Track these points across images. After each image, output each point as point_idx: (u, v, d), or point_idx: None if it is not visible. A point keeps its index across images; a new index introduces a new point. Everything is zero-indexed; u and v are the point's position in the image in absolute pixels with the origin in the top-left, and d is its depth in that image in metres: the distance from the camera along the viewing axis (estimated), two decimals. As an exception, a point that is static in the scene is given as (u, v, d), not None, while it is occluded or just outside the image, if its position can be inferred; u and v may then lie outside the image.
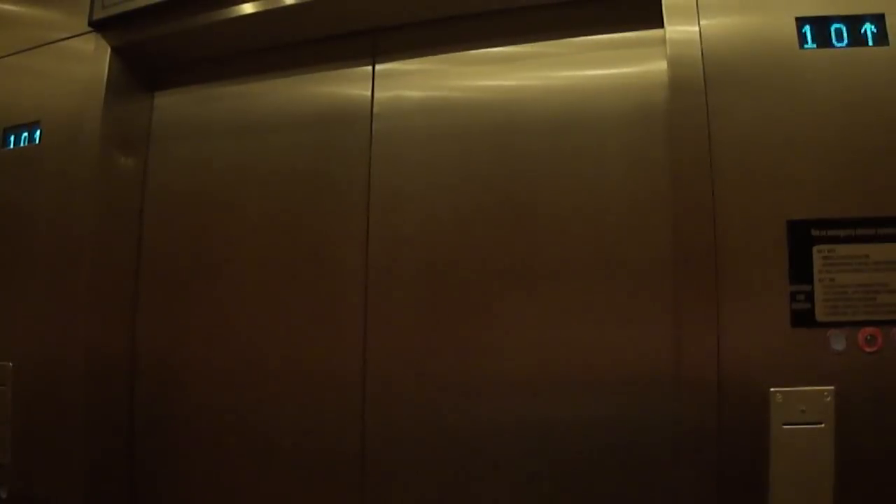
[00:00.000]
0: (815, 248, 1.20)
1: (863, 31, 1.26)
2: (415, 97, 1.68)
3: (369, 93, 1.71)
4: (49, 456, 1.69)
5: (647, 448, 1.38)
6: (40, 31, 1.90)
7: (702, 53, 1.31)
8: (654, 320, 1.38)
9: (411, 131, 1.66)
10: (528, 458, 1.47)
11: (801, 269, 1.20)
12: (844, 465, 1.15)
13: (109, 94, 1.77)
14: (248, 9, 1.65)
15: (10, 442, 1.74)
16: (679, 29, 1.34)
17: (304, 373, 1.67)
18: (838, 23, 1.27)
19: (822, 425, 1.16)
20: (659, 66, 1.42)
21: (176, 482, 1.78)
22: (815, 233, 1.20)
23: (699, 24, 1.32)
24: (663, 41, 1.35)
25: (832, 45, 1.26)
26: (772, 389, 1.18)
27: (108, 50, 1.78)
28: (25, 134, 1.85)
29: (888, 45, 1.24)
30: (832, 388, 1.16)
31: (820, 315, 1.19)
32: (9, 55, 1.93)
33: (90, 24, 1.79)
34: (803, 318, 1.19)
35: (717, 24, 1.32)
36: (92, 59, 1.79)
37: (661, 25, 1.36)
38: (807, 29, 1.28)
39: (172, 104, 1.91)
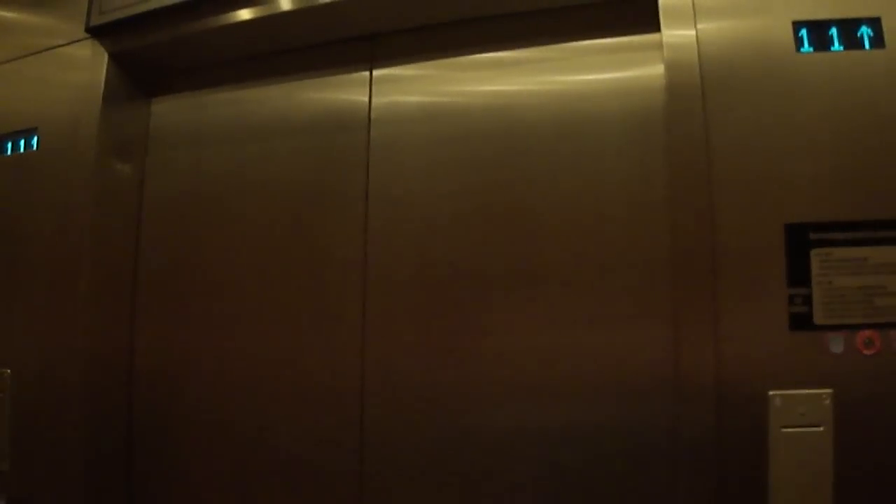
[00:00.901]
0: (812, 252, 1.20)
1: (859, 34, 1.26)
2: (412, 102, 1.68)
3: (367, 98, 1.72)
4: (48, 463, 1.69)
5: (647, 452, 1.38)
6: (37, 37, 1.90)
7: (699, 57, 1.31)
8: (654, 324, 1.38)
9: (409, 136, 1.66)
10: (526, 463, 1.47)
11: (799, 273, 1.20)
12: (843, 467, 1.15)
13: (107, 101, 1.77)
14: (245, 15, 1.66)
15: (9, 449, 1.73)
16: (676, 33, 1.34)
17: (303, 379, 1.67)
18: (835, 26, 1.27)
19: (821, 428, 1.16)
20: (656, 71, 1.42)
21: (174, 489, 1.77)
22: (812, 236, 1.21)
23: (696, 27, 1.33)
24: (660, 45, 1.36)
25: (829, 49, 1.27)
26: (770, 393, 1.18)
27: (106, 56, 1.79)
28: (23, 140, 1.84)
29: (885, 47, 1.24)
30: (831, 390, 1.16)
31: (818, 318, 1.19)
32: (6, 62, 1.93)
33: (87, 30, 1.80)
34: (801, 321, 1.19)
35: (713, 27, 1.32)
36: (89, 65, 1.79)
37: (659, 30, 1.36)
38: (803, 32, 1.28)
39: (170, 110, 1.91)
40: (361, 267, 1.65)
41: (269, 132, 1.80)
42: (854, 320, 1.18)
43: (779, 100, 1.27)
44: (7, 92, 1.91)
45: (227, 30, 1.69)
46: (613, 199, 1.48)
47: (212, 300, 1.78)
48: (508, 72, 1.62)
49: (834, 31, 1.27)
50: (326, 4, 1.59)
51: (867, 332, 1.17)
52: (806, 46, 1.27)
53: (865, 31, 1.26)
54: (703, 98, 1.29)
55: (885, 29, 1.25)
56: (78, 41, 1.83)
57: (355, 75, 1.74)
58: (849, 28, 1.26)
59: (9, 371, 1.75)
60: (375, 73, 1.73)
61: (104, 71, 1.78)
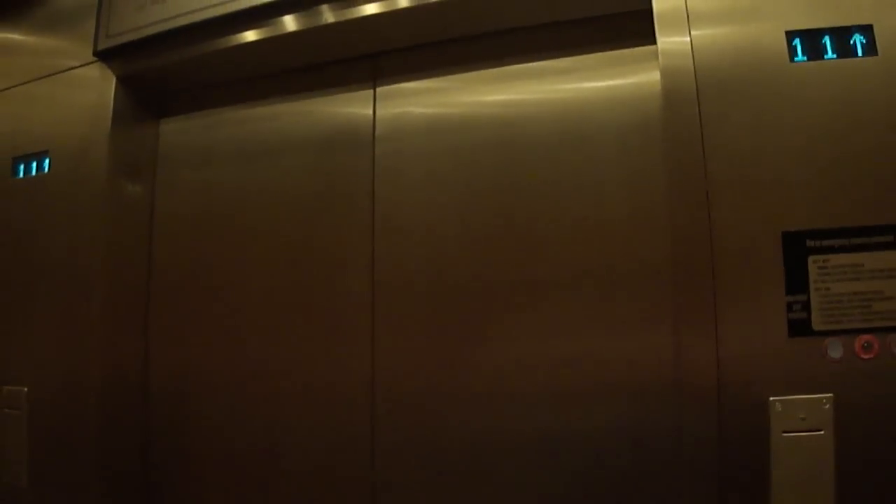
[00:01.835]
0: (810, 259, 1.21)
1: (852, 41, 1.27)
2: (416, 117, 1.71)
3: (371, 114, 1.75)
4: (65, 479, 1.71)
5: (650, 457, 1.40)
6: (47, 60, 1.94)
7: (694, 64, 1.32)
8: (655, 332, 1.41)
9: (413, 150, 1.69)
10: (531, 467, 1.50)
11: (797, 279, 1.22)
12: (844, 471, 1.16)
13: (116, 122, 1.81)
14: (250, 37, 1.68)
15: (26, 465, 1.76)
16: (671, 40, 1.35)
17: (314, 389, 1.70)
18: (828, 35, 1.28)
19: (822, 432, 1.17)
20: (654, 81, 1.43)
21: (189, 499, 1.80)
22: (809, 243, 1.22)
23: (690, 35, 1.34)
24: (657, 56, 1.37)
25: (822, 57, 1.27)
26: (771, 398, 1.19)
27: (114, 79, 1.82)
28: (34, 163, 1.88)
29: (877, 55, 1.25)
30: (830, 395, 1.17)
31: (817, 324, 1.20)
32: (16, 85, 1.97)
33: (95, 53, 1.83)
34: (800, 328, 1.21)
35: (708, 35, 1.33)
36: (98, 88, 1.83)
37: (655, 42, 1.37)
38: (797, 42, 1.29)
39: (178, 130, 1.95)
40: (369, 277, 1.68)
41: (276, 150, 1.83)
42: (852, 325, 1.19)
43: (774, 108, 1.28)
44: (18, 115, 1.95)
45: (233, 51, 1.72)
46: (615, 208, 1.50)
47: (223, 315, 1.81)
48: (510, 85, 1.64)
49: (827, 39, 1.28)
50: (329, 25, 1.62)
51: (865, 337, 1.18)
52: (800, 56, 1.28)
53: (858, 38, 1.27)
54: (699, 104, 1.30)
55: (877, 36, 1.26)
56: (87, 64, 1.86)
57: (359, 92, 1.77)
58: (841, 36, 1.27)
59: (25, 389, 1.79)
60: (379, 89, 1.76)
61: (112, 93, 1.81)
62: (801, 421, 1.18)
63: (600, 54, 1.58)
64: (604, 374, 1.45)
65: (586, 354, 1.48)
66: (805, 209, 1.23)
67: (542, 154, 1.58)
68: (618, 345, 1.46)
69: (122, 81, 1.83)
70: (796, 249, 1.22)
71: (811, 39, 1.29)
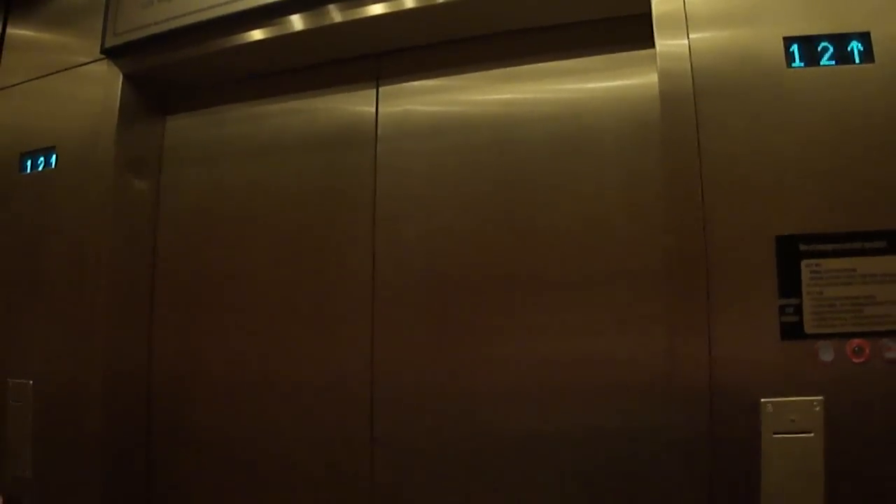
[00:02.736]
0: (803, 263, 1.23)
1: (849, 48, 1.27)
2: (417, 116, 1.73)
3: (374, 112, 1.77)
4: (68, 470, 1.74)
5: (642, 455, 1.42)
6: (54, 57, 1.97)
7: (691, 67, 1.34)
8: (649, 331, 1.43)
9: (415, 148, 1.71)
10: (525, 463, 1.52)
11: (790, 283, 1.23)
12: (834, 473, 1.17)
13: (122, 119, 1.83)
14: (256, 35, 1.71)
15: (31, 456, 1.79)
16: (669, 42, 1.37)
17: (315, 384, 1.72)
18: (825, 41, 1.28)
19: (812, 434, 1.18)
20: (652, 81, 1.43)
21: (190, 496, 1.83)
22: (803, 247, 1.23)
23: (688, 37, 1.35)
24: (655, 59, 1.38)
25: (819, 64, 1.28)
26: (762, 400, 1.21)
27: (121, 76, 1.85)
28: (42, 159, 1.91)
29: (874, 62, 1.26)
30: (821, 398, 1.19)
31: (809, 327, 1.22)
32: (24, 82, 1.99)
33: (102, 51, 1.86)
34: (793, 331, 1.22)
35: (706, 38, 1.35)
36: (105, 85, 1.86)
37: (654, 45, 1.39)
38: (794, 48, 1.30)
39: (184, 127, 1.98)
40: (370, 273, 1.70)
41: (280, 147, 1.85)
42: (844, 329, 1.21)
43: (770, 112, 1.29)
44: (26, 111, 1.98)
45: (239, 50, 1.74)
46: (612, 208, 1.52)
47: (226, 310, 1.84)
48: (511, 86, 1.66)
49: (824, 46, 1.28)
50: (334, 25, 1.64)
51: (857, 341, 1.20)
52: (797, 62, 1.29)
53: (855, 45, 1.27)
54: (696, 107, 1.32)
55: (874, 43, 1.26)
56: (94, 62, 1.89)
57: (363, 91, 1.79)
58: (839, 43, 1.28)
59: (31, 382, 1.81)
60: (382, 88, 1.78)
61: (119, 90, 1.84)
62: (792, 423, 1.19)
63: (600, 57, 1.59)
64: (598, 373, 1.48)
65: (581, 353, 1.50)
66: (799, 214, 1.25)
67: (541, 154, 1.60)
68: (612, 344, 1.48)
69: (128, 78, 1.86)
70: (790, 253, 1.24)
71: (809, 45, 1.29)
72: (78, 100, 1.89)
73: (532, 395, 1.52)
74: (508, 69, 1.67)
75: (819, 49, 1.29)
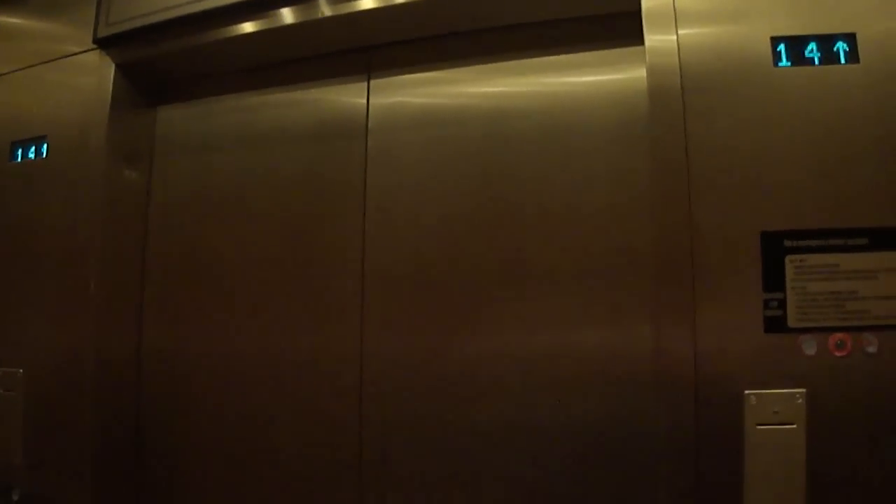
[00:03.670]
0: (787, 258, 1.25)
1: (835, 49, 1.30)
2: (408, 109, 1.74)
3: (364, 105, 1.77)
4: (59, 458, 1.75)
5: (627, 446, 1.44)
6: (47, 46, 1.96)
7: (679, 63, 1.35)
8: (636, 323, 1.45)
9: (405, 141, 1.73)
10: (513, 458, 1.54)
11: (774, 278, 1.25)
12: (815, 463, 1.20)
13: (114, 109, 1.83)
14: (247, 28, 1.71)
15: (21, 444, 1.79)
16: (658, 38, 1.38)
17: (304, 375, 1.73)
18: (812, 41, 1.31)
19: (794, 426, 1.21)
20: (641, 76, 1.45)
21: (180, 482, 1.84)
22: (787, 243, 1.25)
23: (677, 33, 1.37)
24: (644, 55, 1.40)
25: (805, 63, 1.31)
26: (746, 392, 1.23)
27: (113, 66, 1.84)
28: (33, 147, 1.90)
29: (859, 62, 1.28)
30: (804, 390, 1.21)
31: (792, 321, 1.24)
32: (16, 70, 1.98)
33: (94, 41, 1.85)
34: (776, 324, 1.24)
35: (694, 35, 1.36)
36: (97, 74, 1.85)
37: (643, 42, 1.40)
38: (781, 47, 1.32)
39: (175, 118, 1.98)
40: (360, 262, 1.71)
41: (271, 137, 1.86)
42: (827, 323, 1.23)
43: (757, 110, 1.31)
44: (17, 100, 1.97)
45: (231, 42, 1.75)
46: (600, 202, 1.54)
47: (216, 300, 1.85)
48: (501, 80, 1.68)
49: (811, 46, 1.31)
50: (325, 18, 1.65)
51: (839, 335, 1.22)
52: (783, 61, 1.31)
53: (841, 46, 1.30)
54: (683, 102, 1.34)
55: (859, 44, 1.29)
56: (86, 51, 1.88)
57: (354, 84, 1.80)
58: (825, 43, 1.30)
59: (21, 370, 1.81)
60: (373, 81, 1.79)
61: (111, 80, 1.84)
62: (775, 414, 1.22)
63: (590, 52, 1.61)
64: (584, 365, 1.50)
65: (568, 344, 1.52)
66: (784, 210, 1.27)
67: (530, 147, 1.61)
68: (599, 336, 1.50)
69: (120, 68, 1.85)
70: (774, 249, 1.26)
71: (795, 45, 1.32)
72: (70, 89, 1.88)
73: (519, 382, 1.54)
74: (499, 63, 1.68)
75: (805, 49, 1.31)
